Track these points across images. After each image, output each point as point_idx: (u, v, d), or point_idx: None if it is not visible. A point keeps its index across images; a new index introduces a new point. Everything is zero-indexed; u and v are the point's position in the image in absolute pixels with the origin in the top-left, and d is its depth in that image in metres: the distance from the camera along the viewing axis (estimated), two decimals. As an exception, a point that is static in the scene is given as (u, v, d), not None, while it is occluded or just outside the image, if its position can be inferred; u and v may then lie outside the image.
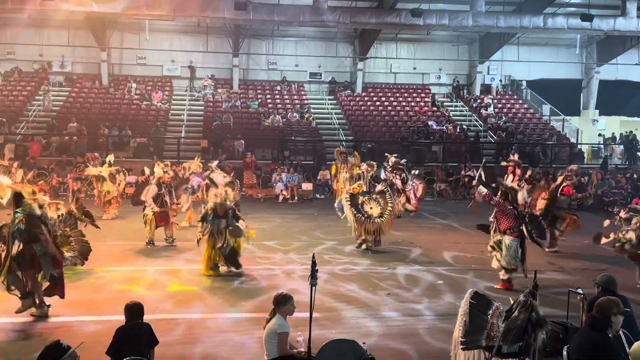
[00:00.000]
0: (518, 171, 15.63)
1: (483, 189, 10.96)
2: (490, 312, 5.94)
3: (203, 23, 29.24)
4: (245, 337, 7.78)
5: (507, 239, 10.31)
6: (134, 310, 5.97)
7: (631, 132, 30.98)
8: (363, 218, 13.16)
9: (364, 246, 13.42)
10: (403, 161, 18.64)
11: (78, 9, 23.88)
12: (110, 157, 18.32)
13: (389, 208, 13.54)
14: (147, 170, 15.74)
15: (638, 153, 30.00)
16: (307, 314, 5.91)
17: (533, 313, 5.40)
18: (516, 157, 17.06)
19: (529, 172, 16.02)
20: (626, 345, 5.24)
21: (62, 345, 4.04)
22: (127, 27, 30.23)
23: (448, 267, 12.06)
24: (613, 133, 31.13)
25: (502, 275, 10.45)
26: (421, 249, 13.64)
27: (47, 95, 28.67)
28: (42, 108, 28.21)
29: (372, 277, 11.03)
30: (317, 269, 5.96)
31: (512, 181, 14.05)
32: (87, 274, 10.51)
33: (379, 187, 14.23)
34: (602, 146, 30.95)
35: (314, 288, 5.77)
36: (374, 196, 13.72)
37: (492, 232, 10.75)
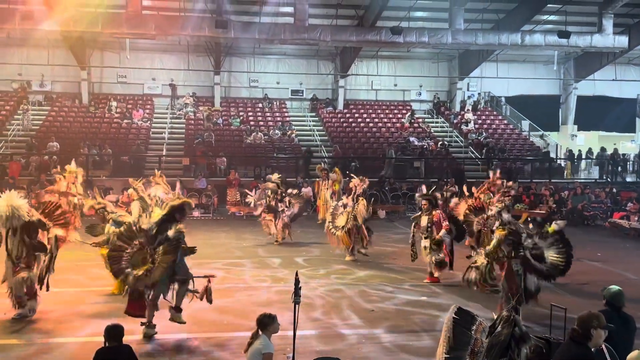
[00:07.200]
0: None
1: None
2: (474, 327, 5.93)
3: (184, 41, 29.24)
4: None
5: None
6: (114, 333, 5.88)
7: (615, 148, 31.00)
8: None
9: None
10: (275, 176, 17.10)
11: (58, 28, 23.79)
12: (73, 168, 14.61)
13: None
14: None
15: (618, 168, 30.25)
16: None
17: (516, 328, 5.40)
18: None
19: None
20: (608, 359, 5.26)
21: None
22: (108, 46, 30.11)
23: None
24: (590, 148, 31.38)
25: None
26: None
27: (26, 114, 28.38)
28: (22, 127, 27.94)
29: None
30: (300, 287, 5.93)
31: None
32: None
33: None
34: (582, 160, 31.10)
35: (297, 306, 5.74)
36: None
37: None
